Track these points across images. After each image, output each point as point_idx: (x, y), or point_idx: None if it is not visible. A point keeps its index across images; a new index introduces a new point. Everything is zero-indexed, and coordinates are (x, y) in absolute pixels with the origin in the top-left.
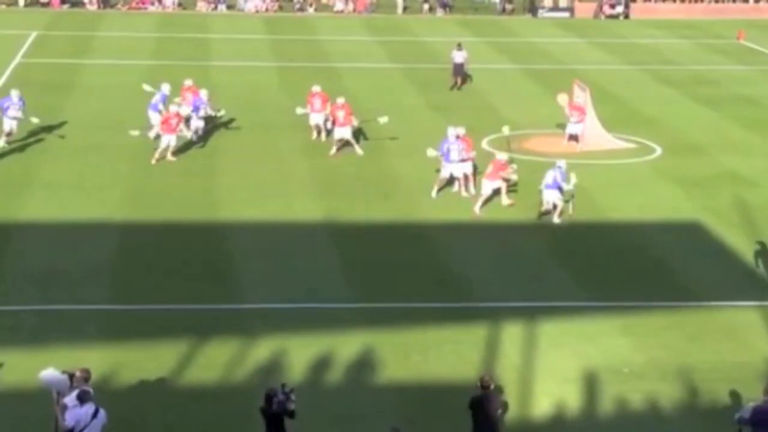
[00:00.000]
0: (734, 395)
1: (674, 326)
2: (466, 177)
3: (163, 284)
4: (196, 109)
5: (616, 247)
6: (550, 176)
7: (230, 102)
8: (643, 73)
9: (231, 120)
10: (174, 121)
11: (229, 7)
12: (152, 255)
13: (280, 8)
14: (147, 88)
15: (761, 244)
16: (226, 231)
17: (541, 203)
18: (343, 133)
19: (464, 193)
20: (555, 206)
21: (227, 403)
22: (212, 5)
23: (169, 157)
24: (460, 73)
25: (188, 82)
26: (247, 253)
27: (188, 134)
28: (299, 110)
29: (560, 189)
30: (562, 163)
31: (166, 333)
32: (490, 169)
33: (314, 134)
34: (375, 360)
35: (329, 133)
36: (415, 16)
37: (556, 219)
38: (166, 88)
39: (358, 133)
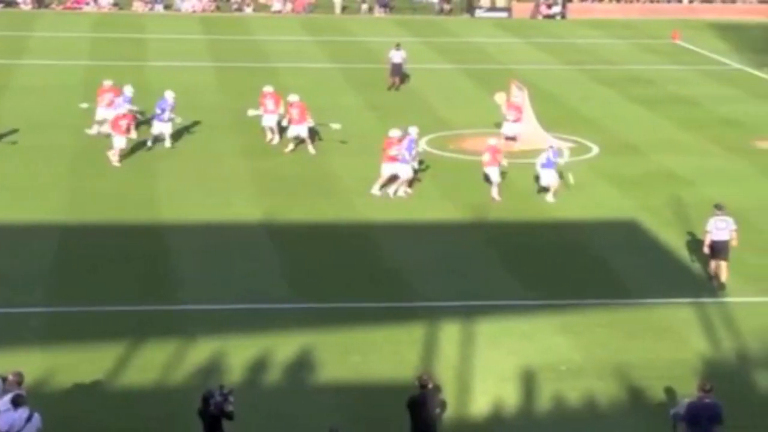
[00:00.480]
0: (670, 392)
1: (611, 324)
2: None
3: (102, 285)
4: (162, 111)
5: (554, 246)
6: (544, 156)
7: None
8: (580, 73)
9: (170, 120)
10: (123, 123)
11: (165, 7)
12: (91, 256)
13: (218, 8)
14: (84, 106)
15: (696, 242)
16: (165, 232)
17: (538, 179)
18: (299, 130)
19: (402, 193)
20: (549, 186)
21: (165, 405)
22: (149, 5)
23: (114, 160)
24: (399, 73)
25: (108, 83)
26: (187, 254)
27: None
28: (251, 112)
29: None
30: (553, 142)
31: (103, 334)
32: (488, 157)
33: (268, 136)
34: (314, 360)
35: (282, 133)
36: (354, 16)
37: (550, 198)
38: (128, 89)
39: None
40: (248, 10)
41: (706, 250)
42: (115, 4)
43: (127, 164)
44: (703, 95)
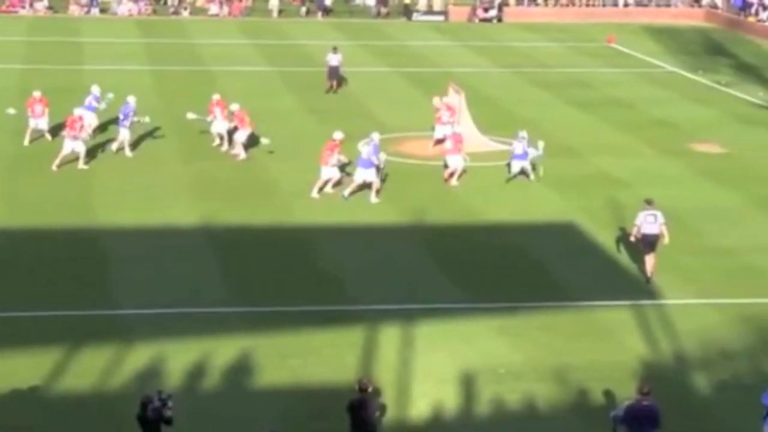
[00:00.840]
0: (609, 394)
1: (550, 326)
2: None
3: (39, 291)
4: (125, 117)
5: (493, 249)
6: (519, 147)
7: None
8: (517, 76)
9: (106, 124)
10: (78, 125)
11: (101, 11)
12: (27, 261)
13: (154, 12)
14: (11, 111)
15: (633, 244)
16: (102, 236)
17: (509, 171)
18: (242, 136)
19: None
20: (525, 173)
21: (103, 410)
22: (84, 9)
23: (56, 163)
24: (335, 77)
25: (37, 94)
26: (124, 258)
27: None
28: (190, 115)
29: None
30: (524, 133)
31: (41, 340)
32: (450, 144)
33: (216, 141)
34: (253, 364)
35: (230, 140)
36: (291, 20)
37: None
38: (95, 89)
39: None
40: (185, 13)
41: (632, 239)
42: (51, 8)
43: (63, 169)
44: (638, 98)
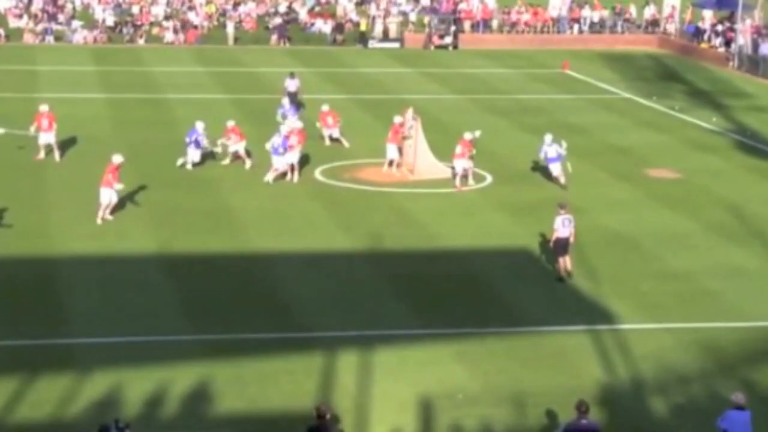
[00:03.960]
0: (565, 417)
1: (507, 352)
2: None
3: None
4: (193, 141)
5: (450, 275)
6: (551, 151)
7: (60, 134)
8: (472, 102)
9: (62, 151)
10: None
11: (57, 39)
12: None
13: (110, 40)
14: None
15: (590, 270)
16: (57, 264)
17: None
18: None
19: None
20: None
21: None
22: (39, 37)
23: (100, 216)
24: (294, 102)
25: (43, 108)
26: (80, 287)
27: None
28: (223, 142)
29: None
30: (548, 138)
31: None
32: (459, 150)
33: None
34: (211, 392)
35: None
36: (246, 47)
37: (564, 181)
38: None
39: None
40: (140, 41)
41: (552, 245)
42: (6, 36)
43: (17, 195)
44: (593, 124)
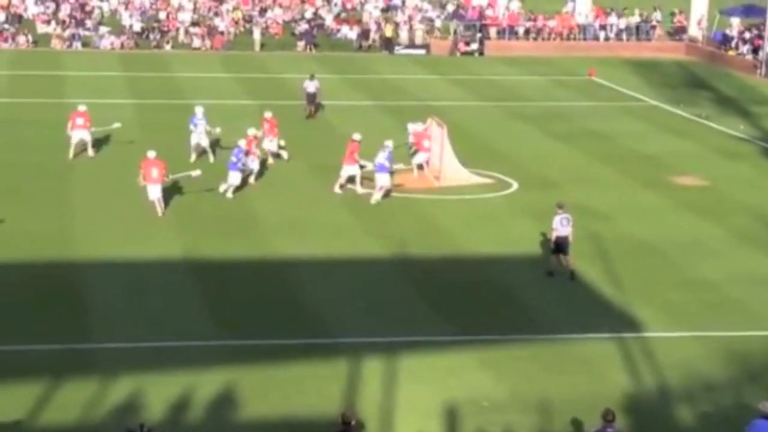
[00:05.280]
0: (591, 425)
1: (533, 359)
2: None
3: (18, 324)
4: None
5: (476, 281)
6: (382, 156)
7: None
8: (498, 109)
9: (83, 157)
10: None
11: (84, 45)
12: (7, 294)
13: (137, 45)
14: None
15: (614, 275)
16: (83, 269)
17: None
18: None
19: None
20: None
21: None
22: (67, 42)
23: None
24: (313, 103)
25: (81, 108)
26: (106, 291)
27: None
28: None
29: None
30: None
31: (22, 373)
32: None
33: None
34: (235, 397)
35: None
36: (272, 53)
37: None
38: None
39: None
40: (167, 47)
41: (552, 246)
42: (34, 42)
43: (43, 198)
44: (619, 131)
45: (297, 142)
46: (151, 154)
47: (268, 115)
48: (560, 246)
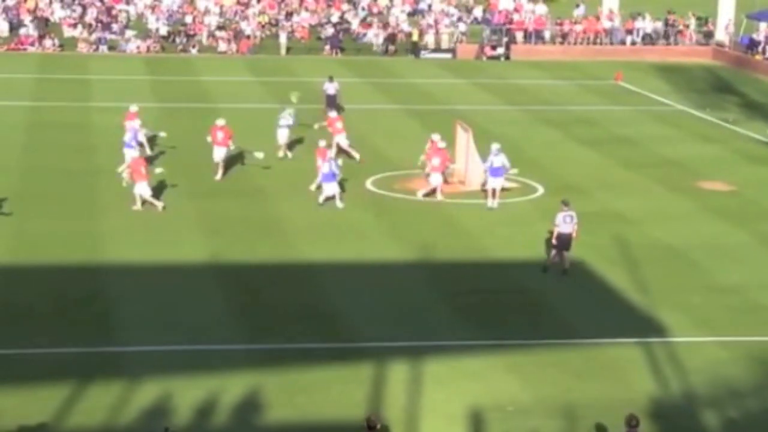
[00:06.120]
0: (615, 430)
1: (559, 363)
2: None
3: (45, 327)
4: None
5: (501, 286)
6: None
7: (111, 143)
8: (524, 114)
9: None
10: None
11: (110, 48)
12: (34, 298)
13: (163, 49)
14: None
15: (640, 280)
16: (109, 272)
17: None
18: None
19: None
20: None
21: None
22: (93, 46)
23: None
24: (333, 105)
25: (220, 122)
26: (132, 295)
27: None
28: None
29: None
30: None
31: (49, 377)
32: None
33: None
34: (260, 401)
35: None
36: (299, 57)
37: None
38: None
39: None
40: (193, 51)
41: (554, 242)
42: (60, 46)
43: (70, 205)
44: (646, 136)
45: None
46: (220, 122)
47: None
48: (562, 243)
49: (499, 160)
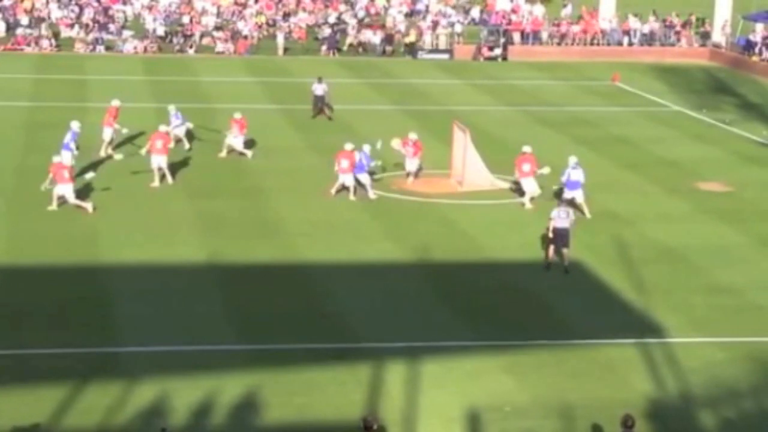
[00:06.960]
0: (612, 430)
1: (555, 364)
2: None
3: (42, 328)
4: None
5: (498, 286)
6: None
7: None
8: (522, 114)
9: (107, 161)
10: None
11: (107, 48)
12: (31, 298)
13: (160, 49)
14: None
15: (637, 280)
16: (106, 273)
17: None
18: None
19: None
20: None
21: None
22: (90, 46)
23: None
24: (321, 104)
25: (237, 115)
26: (129, 296)
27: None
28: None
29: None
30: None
31: (44, 377)
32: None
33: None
34: (258, 402)
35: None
36: (296, 58)
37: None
38: (75, 125)
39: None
40: (191, 51)
41: (550, 235)
42: (57, 46)
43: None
44: (642, 136)
45: (318, 146)
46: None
47: (237, 115)
48: (558, 237)
49: (577, 173)
